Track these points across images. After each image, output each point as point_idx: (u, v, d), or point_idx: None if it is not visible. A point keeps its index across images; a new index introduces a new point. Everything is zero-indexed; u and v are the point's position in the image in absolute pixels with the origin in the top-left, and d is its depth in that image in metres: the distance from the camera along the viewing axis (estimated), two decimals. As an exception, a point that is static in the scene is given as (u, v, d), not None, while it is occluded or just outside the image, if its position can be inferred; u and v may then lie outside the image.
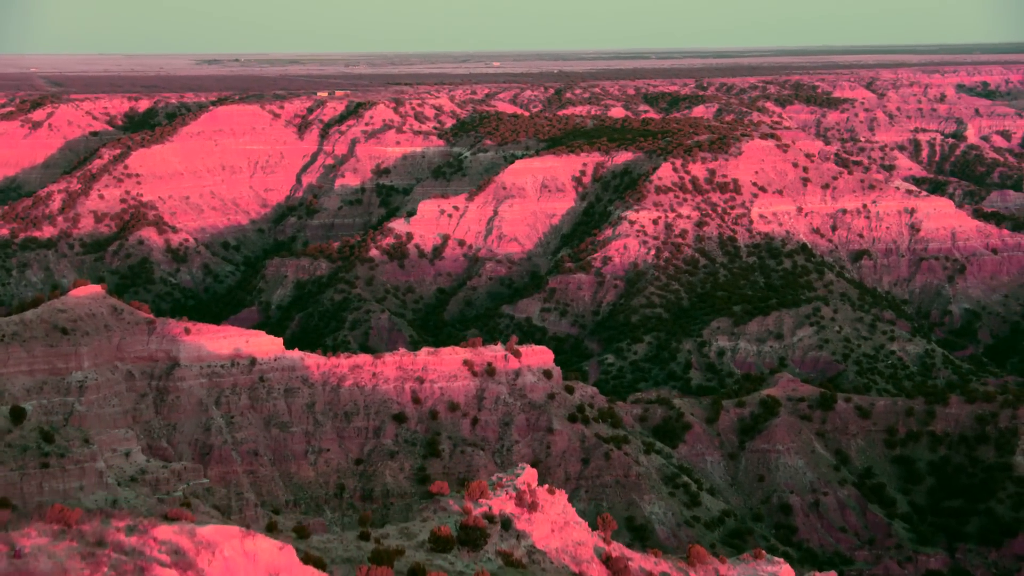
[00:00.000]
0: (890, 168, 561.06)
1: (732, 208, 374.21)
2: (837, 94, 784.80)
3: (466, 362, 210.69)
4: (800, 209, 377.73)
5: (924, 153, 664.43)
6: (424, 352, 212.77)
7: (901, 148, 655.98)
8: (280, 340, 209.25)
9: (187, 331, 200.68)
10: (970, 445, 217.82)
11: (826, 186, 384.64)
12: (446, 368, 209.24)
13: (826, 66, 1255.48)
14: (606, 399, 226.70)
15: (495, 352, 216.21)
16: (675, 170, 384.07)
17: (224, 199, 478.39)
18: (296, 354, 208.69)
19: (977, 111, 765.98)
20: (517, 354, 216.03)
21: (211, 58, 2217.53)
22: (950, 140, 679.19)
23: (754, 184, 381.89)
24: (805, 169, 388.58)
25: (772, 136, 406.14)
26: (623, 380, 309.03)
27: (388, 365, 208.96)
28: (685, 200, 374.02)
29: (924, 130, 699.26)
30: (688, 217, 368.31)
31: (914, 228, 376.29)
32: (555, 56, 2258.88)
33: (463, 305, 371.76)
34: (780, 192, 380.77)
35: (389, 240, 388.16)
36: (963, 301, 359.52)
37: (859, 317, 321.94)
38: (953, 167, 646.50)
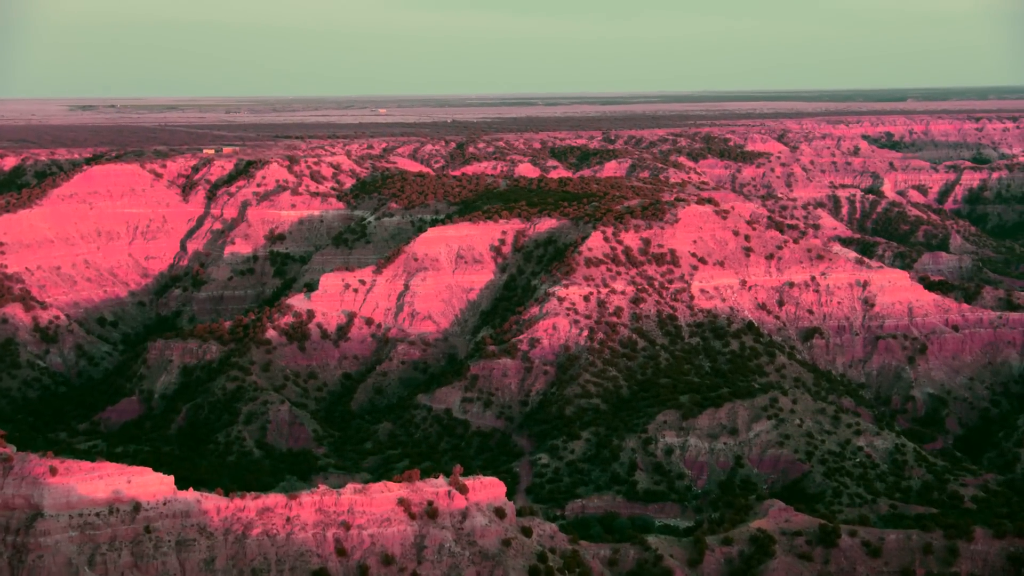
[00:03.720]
0: (815, 227, 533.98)
1: (670, 282, 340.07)
2: (750, 147, 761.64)
3: (401, 501, 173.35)
4: (744, 282, 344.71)
5: (844, 210, 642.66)
6: (349, 490, 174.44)
7: (820, 205, 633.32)
8: (170, 479, 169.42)
9: (52, 471, 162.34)
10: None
11: (770, 256, 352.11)
12: (377, 509, 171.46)
13: (723, 115, 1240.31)
14: (567, 538, 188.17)
15: (436, 488, 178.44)
16: (606, 239, 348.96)
17: (100, 269, 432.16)
18: (190, 496, 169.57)
19: (892, 164, 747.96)
20: (463, 489, 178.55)
21: (86, 103, 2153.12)
22: (870, 196, 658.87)
23: (693, 255, 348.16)
24: (747, 238, 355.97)
25: (709, 201, 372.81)
26: (560, 484, 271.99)
27: (306, 507, 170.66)
28: (619, 273, 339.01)
29: (843, 185, 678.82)
30: (622, 293, 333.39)
31: (868, 303, 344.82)
32: (440, 102, 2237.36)
33: (373, 393, 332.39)
34: (721, 264, 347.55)
35: (288, 319, 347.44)
36: (926, 385, 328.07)
37: (820, 408, 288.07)
38: (875, 225, 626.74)
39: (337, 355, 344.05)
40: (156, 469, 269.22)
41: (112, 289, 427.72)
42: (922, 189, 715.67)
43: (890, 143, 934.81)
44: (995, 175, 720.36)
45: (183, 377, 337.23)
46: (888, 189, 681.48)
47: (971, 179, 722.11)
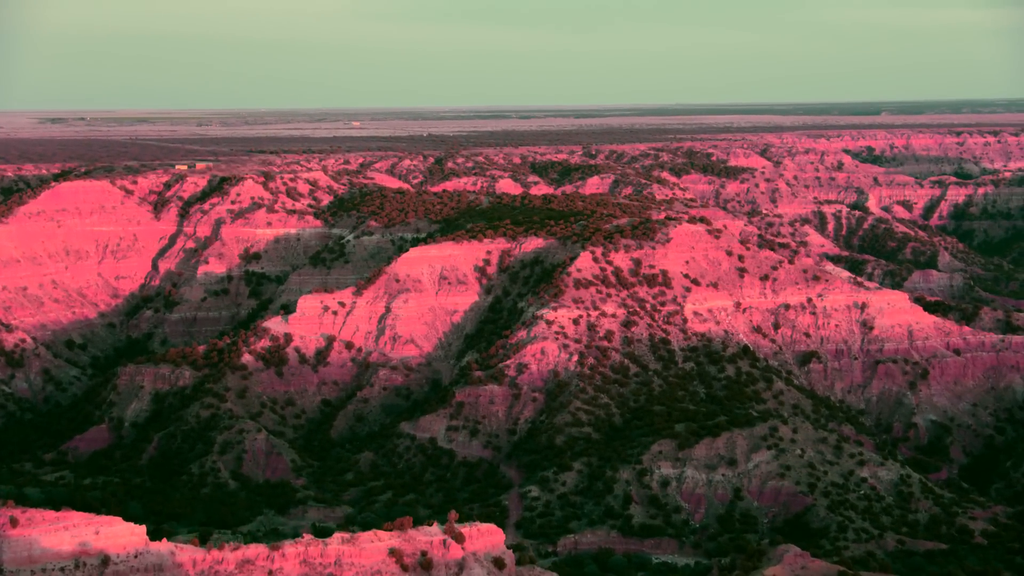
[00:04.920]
0: (803, 244, 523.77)
1: (663, 305, 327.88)
2: (732, 162, 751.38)
3: (393, 552, 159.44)
4: (738, 304, 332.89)
5: (830, 226, 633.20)
6: (337, 540, 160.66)
7: (806, 221, 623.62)
8: (142, 529, 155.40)
9: (13, 522, 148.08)
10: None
11: (765, 277, 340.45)
12: (367, 561, 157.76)
13: (702, 128, 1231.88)
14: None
15: (430, 536, 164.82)
16: (595, 260, 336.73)
17: (68, 290, 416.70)
18: (164, 547, 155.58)
19: (876, 180, 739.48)
20: (459, 538, 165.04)
21: (56, 115, 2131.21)
22: (856, 213, 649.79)
23: (685, 276, 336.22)
24: (740, 258, 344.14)
25: (702, 220, 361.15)
26: (551, 518, 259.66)
27: (289, 559, 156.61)
28: (609, 296, 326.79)
29: (828, 201, 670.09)
30: (613, 316, 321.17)
31: (866, 326, 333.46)
32: (413, 115, 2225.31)
33: (353, 420, 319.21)
34: (715, 285, 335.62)
35: (264, 343, 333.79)
36: (928, 411, 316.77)
37: (822, 437, 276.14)
38: (862, 242, 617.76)
39: (316, 381, 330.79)
40: (127, 502, 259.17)
41: (81, 310, 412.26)
42: (907, 205, 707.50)
43: (871, 157, 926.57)
44: (981, 191, 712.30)
45: (155, 404, 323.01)
46: (873, 205, 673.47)
47: (956, 195, 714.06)
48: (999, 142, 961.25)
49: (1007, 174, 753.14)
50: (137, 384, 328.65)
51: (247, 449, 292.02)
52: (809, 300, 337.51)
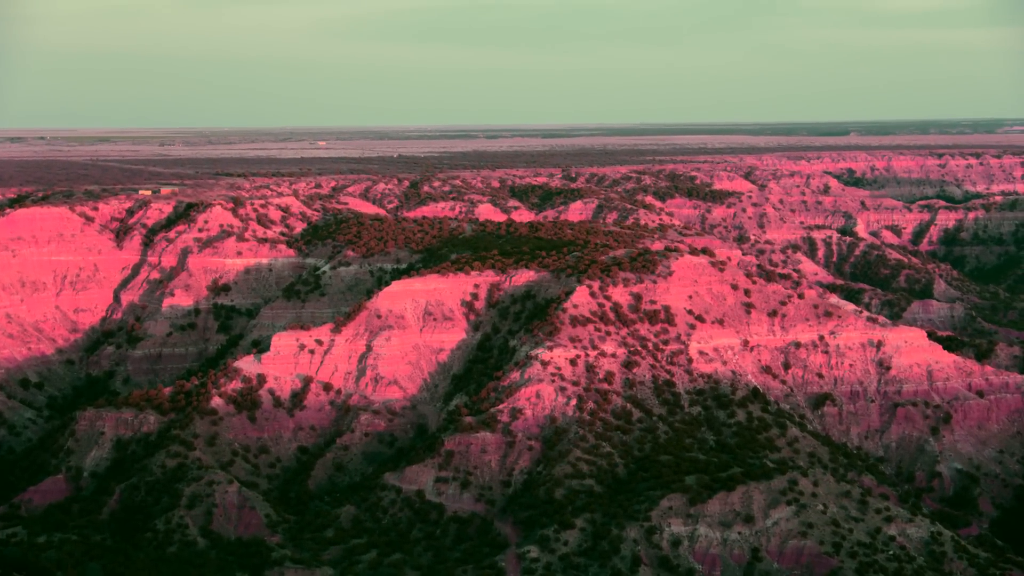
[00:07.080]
0: (800, 275, 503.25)
1: (665, 343, 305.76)
2: (717, 185, 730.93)
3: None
4: (746, 343, 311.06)
5: (820, 253, 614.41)
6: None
7: (795, 247, 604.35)
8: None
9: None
10: None
11: (773, 313, 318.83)
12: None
13: (675, 149, 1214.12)
14: None
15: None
16: (592, 295, 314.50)
17: (24, 324, 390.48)
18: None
19: (863, 204, 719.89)
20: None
21: (14, 135, 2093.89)
22: (847, 239, 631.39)
23: (689, 312, 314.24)
24: (747, 292, 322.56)
25: (704, 251, 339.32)
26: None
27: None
28: (608, 334, 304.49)
29: (817, 226, 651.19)
30: (613, 355, 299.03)
31: (883, 366, 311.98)
32: (379, 134, 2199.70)
33: (332, 470, 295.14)
34: (720, 322, 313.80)
35: (235, 384, 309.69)
36: (952, 459, 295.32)
37: (845, 491, 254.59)
38: (854, 268, 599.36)
39: (292, 426, 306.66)
40: (85, 563, 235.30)
41: (37, 346, 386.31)
42: (895, 229, 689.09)
43: (852, 180, 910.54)
44: (971, 215, 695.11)
45: (116, 452, 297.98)
46: (861, 229, 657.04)
47: (946, 219, 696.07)
48: (981, 164, 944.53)
49: (998, 198, 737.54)
50: (97, 430, 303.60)
51: (217, 503, 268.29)
52: (821, 338, 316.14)
